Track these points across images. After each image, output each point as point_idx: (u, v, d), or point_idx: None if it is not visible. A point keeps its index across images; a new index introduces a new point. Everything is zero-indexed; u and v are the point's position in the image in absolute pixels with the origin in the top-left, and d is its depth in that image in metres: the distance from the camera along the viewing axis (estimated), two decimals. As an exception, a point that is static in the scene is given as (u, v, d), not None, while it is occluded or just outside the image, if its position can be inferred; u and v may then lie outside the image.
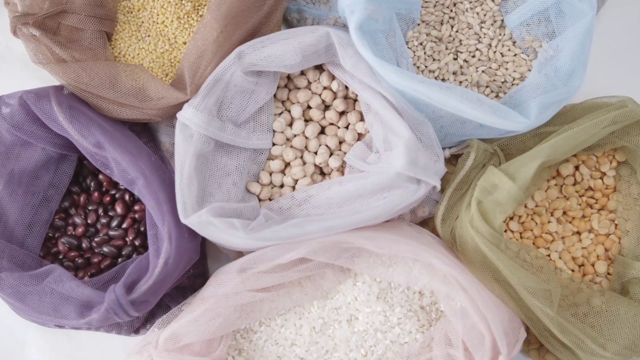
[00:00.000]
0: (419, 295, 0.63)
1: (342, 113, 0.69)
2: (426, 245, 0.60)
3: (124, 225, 0.67)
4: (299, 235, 0.59)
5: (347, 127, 0.68)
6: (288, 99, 0.69)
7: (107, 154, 0.61)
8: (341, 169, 0.67)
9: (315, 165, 0.68)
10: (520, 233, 0.66)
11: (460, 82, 0.68)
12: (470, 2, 0.70)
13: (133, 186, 0.62)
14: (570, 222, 0.67)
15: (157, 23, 0.69)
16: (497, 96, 0.68)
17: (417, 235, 0.63)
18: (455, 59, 0.70)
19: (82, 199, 0.69)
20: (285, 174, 0.68)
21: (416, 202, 0.60)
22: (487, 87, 0.68)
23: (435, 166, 0.60)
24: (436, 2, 0.70)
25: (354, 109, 0.68)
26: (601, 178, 0.67)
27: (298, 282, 0.63)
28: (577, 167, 0.68)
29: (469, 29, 0.70)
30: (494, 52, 0.69)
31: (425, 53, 0.69)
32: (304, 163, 0.68)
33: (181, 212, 0.59)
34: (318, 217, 0.60)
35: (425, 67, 0.69)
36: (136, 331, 0.66)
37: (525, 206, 0.67)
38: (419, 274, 0.60)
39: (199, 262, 0.67)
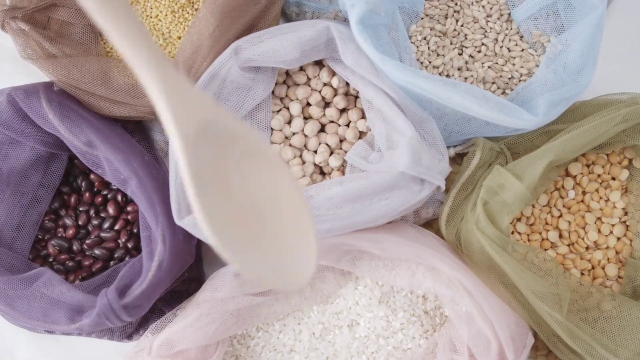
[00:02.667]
0: (422, 300, 0.63)
1: (342, 110, 0.68)
2: (429, 248, 0.59)
3: (117, 227, 0.67)
4: None
5: (348, 125, 0.68)
6: (287, 95, 0.69)
7: (98, 153, 0.61)
8: (342, 169, 0.67)
9: (315, 164, 0.67)
10: (528, 235, 0.66)
11: (466, 79, 0.68)
12: (476, -5, 0.70)
13: (126, 186, 0.62)
14: (579, 224, 0.67)
15: (151, 17, 0.69)
16: (503, 93, 0.68)
17: (421, 238, 0.63)
18: (460, 54, 0.69)
19: (72, 199, 0.69)
20: (283, 174, 0.68)
21: (420, 202, 0.60)
22: (493, 83, 0.68)
23: (440, 165, 0.60)
24: (440, -5, 0.70)
25: (355, 106, 0.68)
26: (613, 178, 0.67)
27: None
28: (587, 166, 0.68)
29: (475, 23, 0.70)
30: (501, 47, 0.69)
31: (429, 48, 0.69)
32: (303, 162, 0.67)
33: (175, 214, 0.58)
34: (317, 219, 0.60)
35: (429, 62, 0.69)
36: (129, 337, 0.66)
37: (533, 207, 0.67)
38: (423, 277, 0.60)
39: (194, 266, 0.67)
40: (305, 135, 0.68)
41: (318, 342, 0.63)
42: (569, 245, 0.66)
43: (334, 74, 0.67)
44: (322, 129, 0.69)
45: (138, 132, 0.69)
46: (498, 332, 0.57)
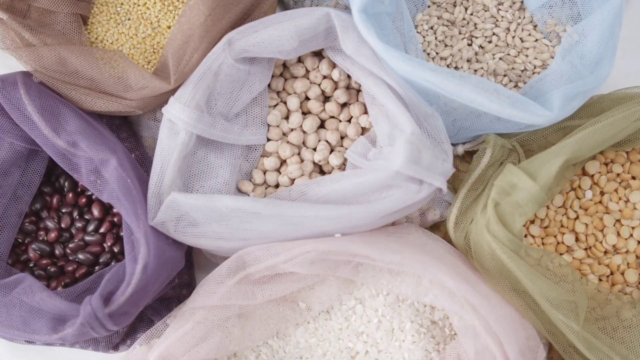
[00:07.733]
0: (430, 309, 0.62)
1: (343, 105, 0.68)
2: (432, 257, 0.59)
3: (102, 230, 0.66)
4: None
5: (349, 121, 0.68)
6: (284, 89, 0.68)
7: (78, 151, 0.61)
8: (343, 167, 0.66)
9: (314, 163, 0.67)
10: (542, 238, 0.66)
11: (475, 71, 0.68)
12: (486, -18, 0.70)
13: (102, 190, 0.61)
14: (597, 226, 0.66)
15: (139, 5, 0.68)
16: (516, 86, 0.68)
17: (427, 242, 0.62)
18: (469, 45, 0.69)
19: (54, 200, 0.68)
20: (280, 173, 0.67)
21: (418, 204, 0.59)
22: (505, 76, 0.68)
23: (443, 166, 0.59)
24: (448, -19, 0.70)
25: (357, 101, 0.67)
26: (633, 177, 0.67)
27: (298, 292, 0.62)
28: (605, 165, 0.67)
29: (485, 11, 0.70)
30: (513, 37, 0.69)
31: (436, 38, 0.68)
32: (302, 160, 0.67)
33: (149, 214, 0.59)
34: (311, 218, 0.59)
35: (436, 53, 0.68)
36: (115, 347, 0.65)
37: (548, 208, 0.66)
38: (430, 284, 0.60)
39: (185, 271, 0.66)
40: (304, 132, 0.67)
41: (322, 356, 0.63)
42: (586, 249, 0.66)
43: (334, 65, 0.67)
44: (322, 125, 0.68)
45: (124, 128, 0.68)
46: (505, 347, 0.56)
